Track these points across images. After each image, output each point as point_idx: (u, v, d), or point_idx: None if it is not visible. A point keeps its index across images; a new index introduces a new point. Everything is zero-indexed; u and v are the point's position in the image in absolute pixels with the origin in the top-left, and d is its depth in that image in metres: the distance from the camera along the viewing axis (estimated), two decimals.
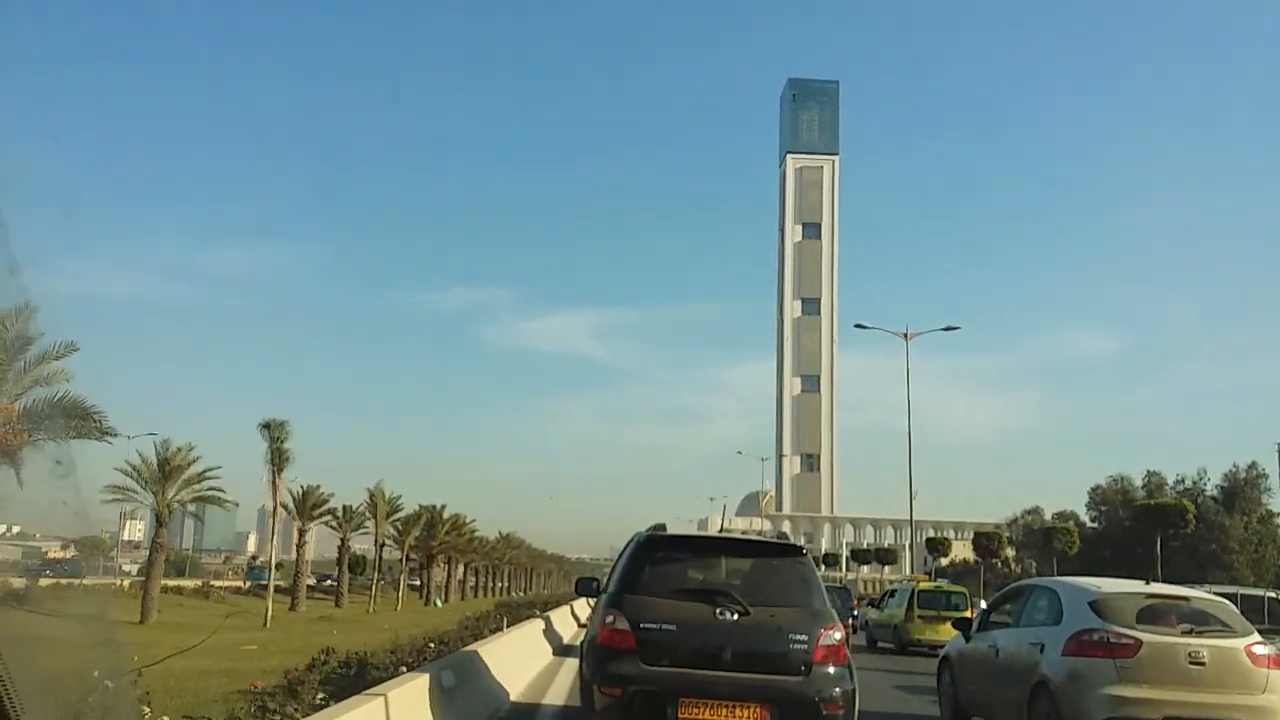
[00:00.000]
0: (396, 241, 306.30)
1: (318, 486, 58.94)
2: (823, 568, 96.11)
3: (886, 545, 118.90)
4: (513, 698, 11.32)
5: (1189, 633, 8.96)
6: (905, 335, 37.17)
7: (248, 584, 79.45)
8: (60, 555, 66.70)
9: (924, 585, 27.20)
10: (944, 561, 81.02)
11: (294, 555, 62.69)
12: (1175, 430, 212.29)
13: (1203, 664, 8.70)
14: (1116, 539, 69.96)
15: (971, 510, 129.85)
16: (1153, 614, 9.16)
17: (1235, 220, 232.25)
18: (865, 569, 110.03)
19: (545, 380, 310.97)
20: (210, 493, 38.42)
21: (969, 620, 12.28)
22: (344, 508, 64.74)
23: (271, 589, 43.13)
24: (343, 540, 65.08)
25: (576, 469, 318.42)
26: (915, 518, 48.64)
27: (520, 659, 13.74)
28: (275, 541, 47.72)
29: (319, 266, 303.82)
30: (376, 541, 65.76)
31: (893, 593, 27.71)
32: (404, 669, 10.13)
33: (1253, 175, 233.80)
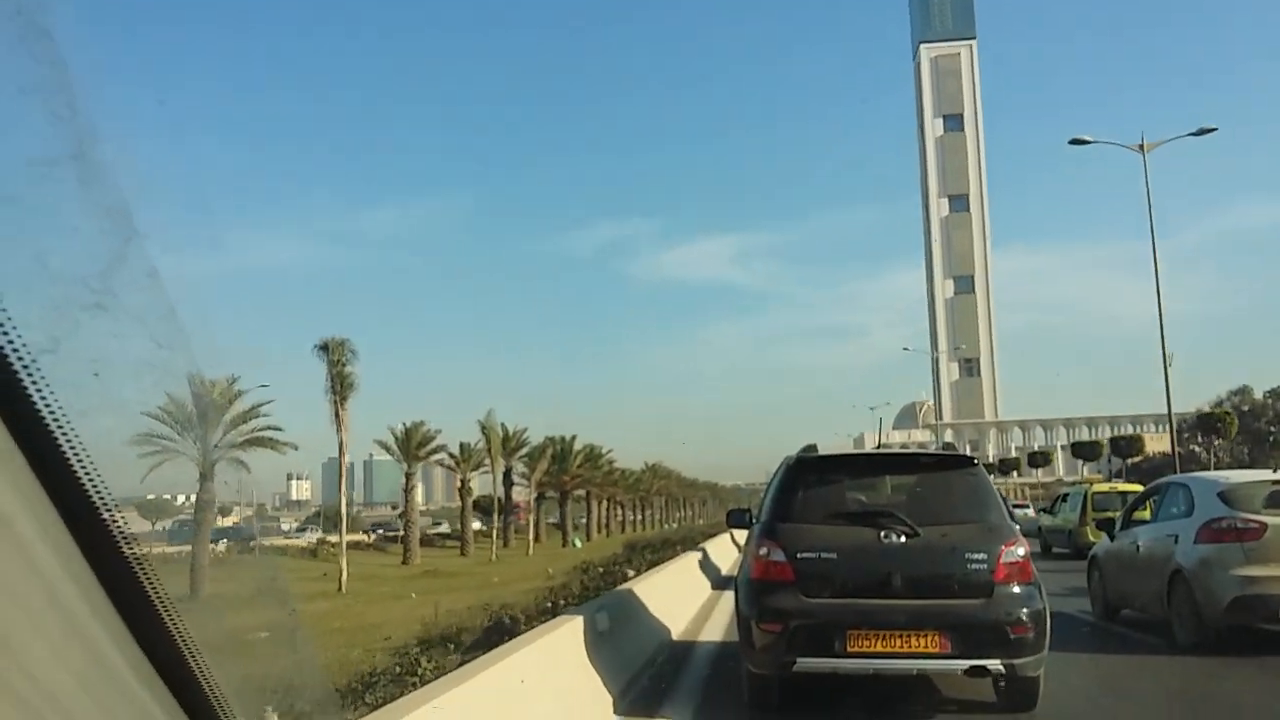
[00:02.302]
0: (532, 183, 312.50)
1: (422, 423, 54.53)
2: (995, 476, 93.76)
3: (1065, 444, 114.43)
4: (673, 636, 11.18)
5: None
6: (1141, 147, 32.68)
7: (371, 536, 77.29)
8: (229, 523, 67.34)
9: (1098, 488, 27.86)
10: (1138, 458, 78.02)
11: (406, 502, 58.00)
12: None
13: None
14: None
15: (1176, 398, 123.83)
16: (1278, 499, 10.04)
17: None
18: (1039, 473, 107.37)
19: (691, 310, 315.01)
20: (263, 433, 33.80)
21: (1113, 520, 13.28)
22: (461, 445, 60.40)
23: (343, 541, 39.13)
24: (462, 481, 61.86)
25: (728, 397, 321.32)
26: (1116, 413, 47.95)
27: (677, 595, 13.57)
28: (344, 484, 42.99)
29: (463, 215, 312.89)
30: (494, 479, 62.44)
31: (1065, 496, 28.51)
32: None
33: None
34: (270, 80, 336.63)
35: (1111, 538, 12.58)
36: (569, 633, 7.22)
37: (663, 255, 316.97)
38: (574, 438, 73.33)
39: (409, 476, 55.57)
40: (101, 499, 1.53)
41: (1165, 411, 36.81)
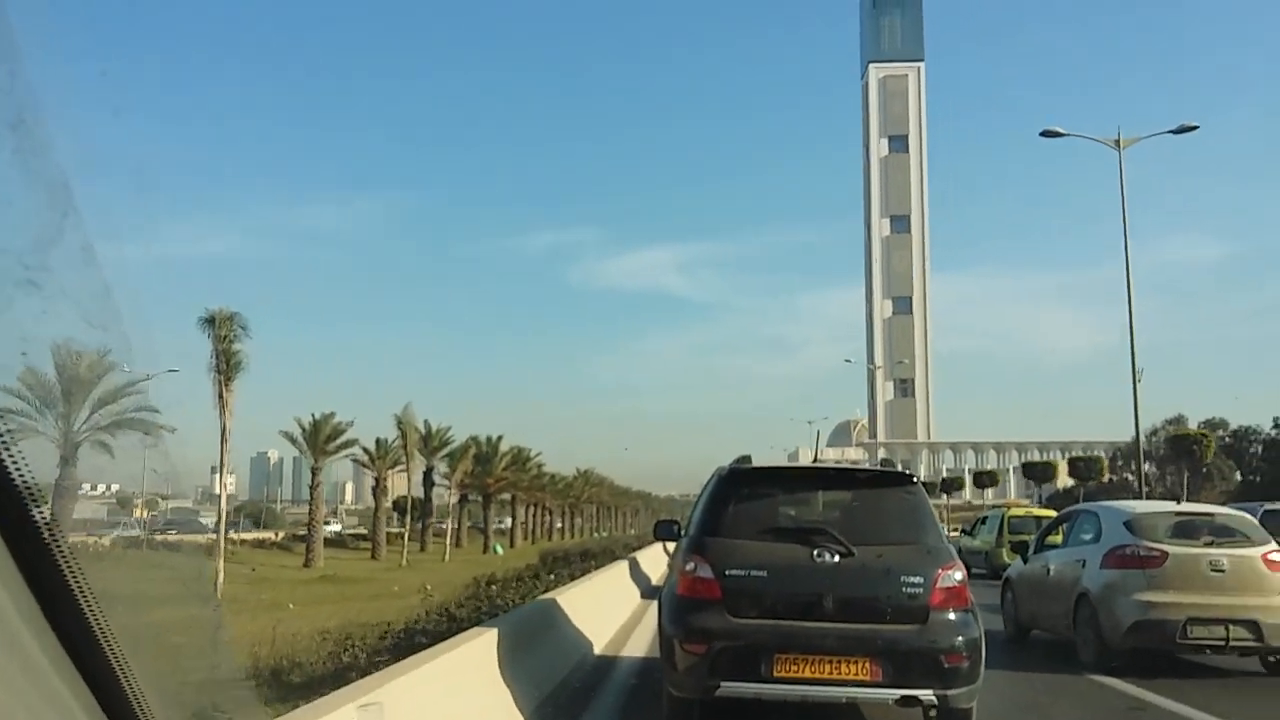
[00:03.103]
0: (476, 188, 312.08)
1: (332, 415, 51.38)
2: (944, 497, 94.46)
3: (989, 469, 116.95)
4: (596, 650, 10.82)
5: (1211, 544, 10.53)
6: (1118, 143, 31.07)
7: (279, 535, 73.30)
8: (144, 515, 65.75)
9: (1014, 512, 29.15)
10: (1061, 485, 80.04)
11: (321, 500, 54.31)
12: None
13: (1223, 570, 10.25)
14: None
15: (1106, 428, 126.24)
16: (1181, 529, 10.73)
17: None
18: (990, 493, 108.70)
19: (632, 318, 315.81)
20: (136, 415, 28.26)
21: (1027, 544, 13.97)
22: (377, 441, 57.34)
23: (222, 540, 36.20)
24: (377, 479, 58.35)
25: (666, 406, 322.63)
26: (1046, 439, 48.49)
27: (604, 605, 13.24)
28: (224, 475, 40.10)
29: (404, 216, 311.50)
30: (409, 477, 59.83)
31: (985, 519, 29.61)
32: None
33: None
34: (214, 68, 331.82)
35: (1025, 560, 13.24)
36: (480, 647, 6.86)
37: (606, 263, 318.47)
38: (500, 438, 70.84)
39: (315, 472, 52.58)
40: (26, 485, 1.49)
41: (1102, 439, 37.84)
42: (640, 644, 11.72)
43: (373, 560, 52.77)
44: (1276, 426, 68.54)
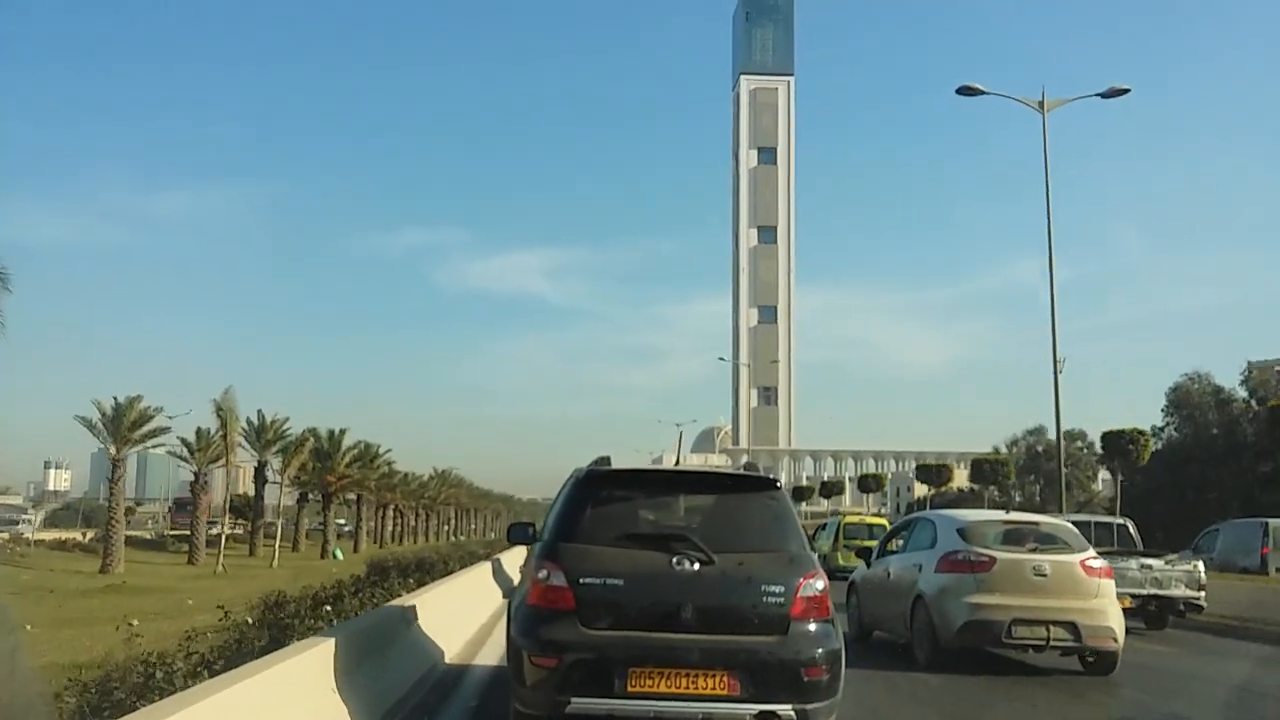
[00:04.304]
0: (340, 182, 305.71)
1: (138, 398, 46.29)
2: (823, 503, 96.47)
3: (866, 474, 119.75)
4: (447, 658, 10.40)
5: (1035, 550, 11.42)
6: (1041, 104, 28.63)
7: (86, 536, 63.25)
8: None
9: (849, 519, 31.88)
10: (942, 488, 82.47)
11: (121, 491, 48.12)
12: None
13: (1045, 575, 11.12)
14: (1205, 450, 60.79)
15: (960, 439, 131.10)
16: (1008, 536, 11.65)
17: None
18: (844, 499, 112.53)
19: (497, 321, 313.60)
20: None
21: (870, 549, 14.79)
22: (198, 432, 52.52)
23: None
24: (196, 475, 53.40)
25: (531, 410, 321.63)
26: (902, 448, 49.51)
27: (462, 610, 12.87)
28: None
29: (261, 208, 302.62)
30: (227, 471, 54.95)
31: (824, 526, 32.41)
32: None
33: None
34: (60, 50, 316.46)
35: (869, 565, 14.03)
36: (314, 658, 6.34)
37: (472, 264, 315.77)
38: (343, 432, 66.22)
39: (117, 464, 46.85)
40: None
41: (953, 450, 39.04)
42: (493, 651, 11.15)
43: (189, 565, 48.28)
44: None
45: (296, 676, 5.93)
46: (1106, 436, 53.88)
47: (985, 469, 72.86)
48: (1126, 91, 28.79)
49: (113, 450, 45.98)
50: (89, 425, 45.29)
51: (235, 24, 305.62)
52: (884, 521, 32.12)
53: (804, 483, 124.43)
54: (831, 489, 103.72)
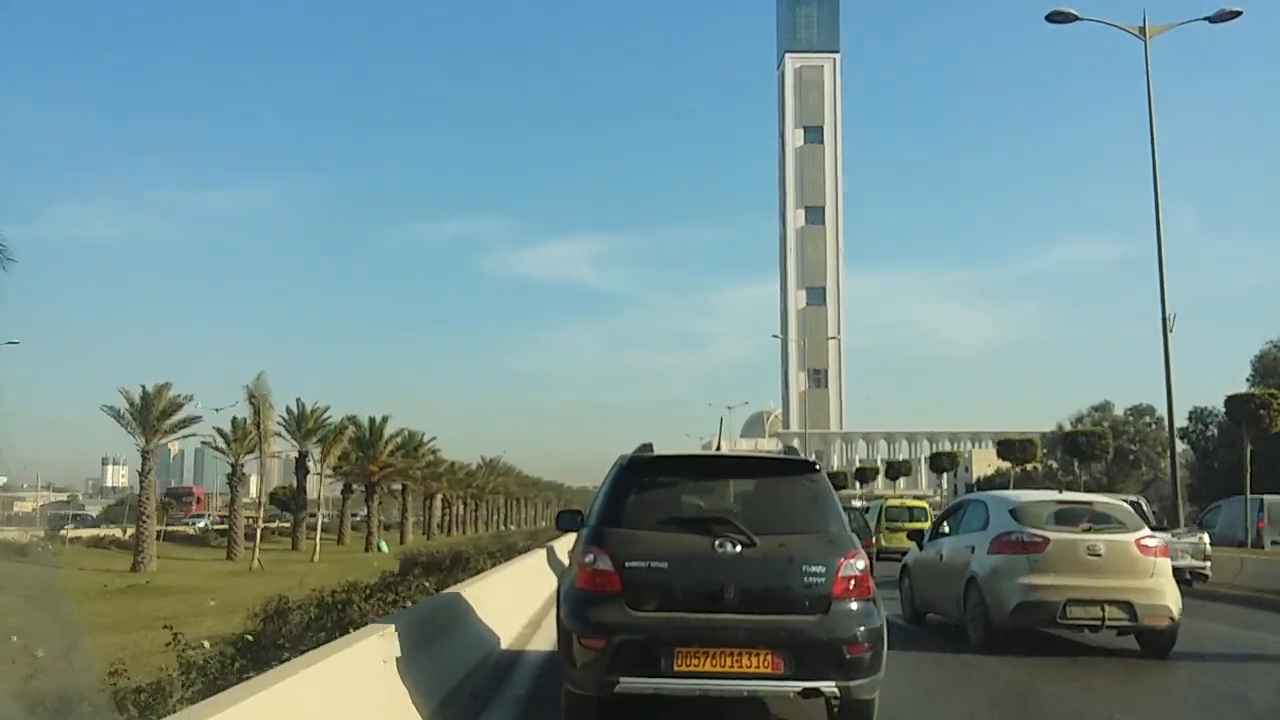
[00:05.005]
0: (388, 175, 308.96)
1: (167, 386, 43.83)
2: (856, 486, 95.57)
3: (940, 452, 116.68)
4: (503, 644, 10.74)
5: (1088, 530, 11.38)
6: (1143, 30, 26.89)
7: (127, 532, 60.20)
8: None
9: (890, 502, 33.65)
10: (989, 470, 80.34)
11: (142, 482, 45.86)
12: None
13: (1100, 555, 11.10)
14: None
15: (1015, 418, 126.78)
16: (1062, 517, 11.62)
17: None
18: (902, 483, 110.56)
19: (544, 309, 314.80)
20: None
21: (922, 532, 14.78)
22: (233, 421, 50.78)
23: None
24: (233, 465, 51.62)
25: (580, 397, 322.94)
26: (956, 429, 48.05)
27: (515, 596, 13.10)
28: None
29: (310, 202, 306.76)
30: (261, 459, 51.75)
31: (868, 509, 33.35)
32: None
33: None
34: (109, 46, 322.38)
35: (920, 548, 14.02)
36: (376, 644, 6.60)
37: (518, 253, 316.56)
38: (385, 420, 64.22)
39: (146, 455, 44.43)
40: None
41: (1012, 431, 38.35)
42: (547, 637, 11.09)
43: (228, 561, 46.40)
44: (1191, 419, 65.78)
45: (362, 659, 6.20)
46: (1231, 401, 44.47)
47: (1080, 442, 70.20)
48: (1238, 14, 26.45)
49: (142, 441, 43.93)
50: (116, 415, 43.47)
51: (281, 21, 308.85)
52: (924, 505, 34.54)
53: (856, 466, 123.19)
54: (898, 470, 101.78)
